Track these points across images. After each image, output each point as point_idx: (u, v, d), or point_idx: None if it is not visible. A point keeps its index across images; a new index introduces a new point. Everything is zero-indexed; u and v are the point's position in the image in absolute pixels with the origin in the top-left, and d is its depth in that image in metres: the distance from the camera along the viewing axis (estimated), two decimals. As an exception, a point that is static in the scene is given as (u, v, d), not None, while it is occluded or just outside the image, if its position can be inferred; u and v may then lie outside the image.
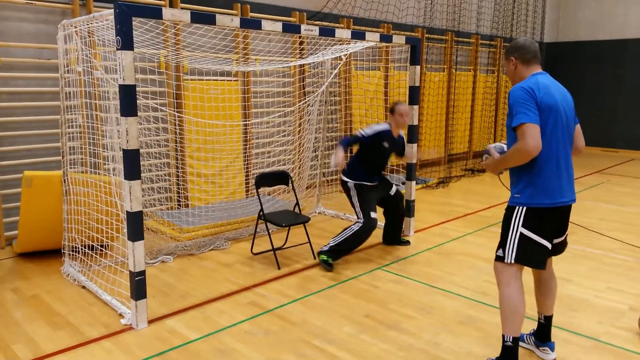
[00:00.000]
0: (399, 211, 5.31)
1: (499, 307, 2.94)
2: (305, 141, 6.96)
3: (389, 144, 4.99)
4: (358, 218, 4.82)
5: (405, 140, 5.33)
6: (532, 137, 2.69)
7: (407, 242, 5.45)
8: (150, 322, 3.65)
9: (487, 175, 9.36)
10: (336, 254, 4.76)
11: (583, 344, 3.41)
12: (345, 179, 5.00)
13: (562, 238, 3.07)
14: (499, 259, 2.94)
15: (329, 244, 4.77)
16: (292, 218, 5.02)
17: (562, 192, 2.87)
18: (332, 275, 4.58)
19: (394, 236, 5.41)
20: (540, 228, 2.84)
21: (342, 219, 6.46)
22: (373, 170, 5.06)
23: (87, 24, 4.09)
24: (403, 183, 6.08)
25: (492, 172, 3.11)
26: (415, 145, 5.62)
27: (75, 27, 4.24)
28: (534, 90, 2.77)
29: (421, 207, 6.87)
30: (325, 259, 4.70)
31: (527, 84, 2.81)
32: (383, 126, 4.98)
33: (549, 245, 2.89)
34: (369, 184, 4.98)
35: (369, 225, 4.74)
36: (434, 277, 4.54)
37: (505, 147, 3.09)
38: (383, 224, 5.43)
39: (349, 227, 4.80)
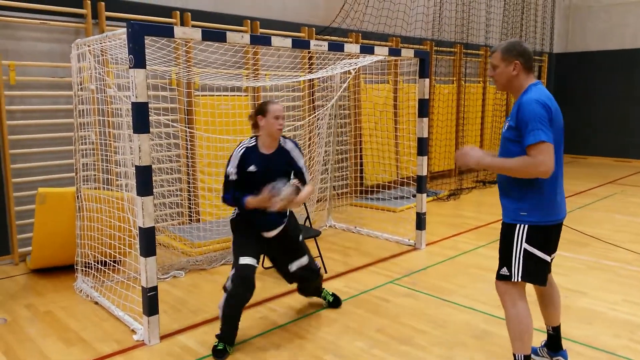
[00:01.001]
0: (310, 286, 3.94)
1: (507, 328, 2.89)
2: (315, 155, 6.98)
3: (257, 167, 3.48)
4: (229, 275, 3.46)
5: (300, 160, 3.67)
6: (550, 158, 2.58)
7: (335, 303, 4.15)
8: (162, 337, 3.66)
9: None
10: (224, 335, 3.46)
11: (599, 357, 3.36)
12: (231, 216, 3.68)
13: (555, 254, 3.03)
14: (504, 278, 2.85)
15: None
16: (303, 232, 5.00)
17: (562, 208, 2.85)
18: (343, 289, 4.56)
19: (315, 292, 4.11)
20: (543, 244, 2.80)
21: (353, 232, 6.46)
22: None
23: (100, 43, 4.16)
24: (414, 196, 6.06)
25: (471, 164, 2.79)
26: (425, 157, 5.61)
27: (89, 46, 4.32)
28: (549, 106, 2.65)
29: (432, 220, 6.84)
30: (216, 344, 3.42)
31: (542, 98, 2.66)
32: (244, 144, 3.57)
33: (549, 260, 2.86)
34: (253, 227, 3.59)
35: (238, 278, 3.36)
36: (446, 291, 4.51)
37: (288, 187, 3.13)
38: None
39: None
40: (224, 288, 3.49)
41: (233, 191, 3.48)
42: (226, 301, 3.39)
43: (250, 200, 3.39)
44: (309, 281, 3.87)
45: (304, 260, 3.77)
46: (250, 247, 3.50)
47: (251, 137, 3.63)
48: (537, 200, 2.76)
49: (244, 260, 3.41)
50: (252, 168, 3.48)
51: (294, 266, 3.73)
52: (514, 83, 2.81)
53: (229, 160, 3.52)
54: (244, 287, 3.38)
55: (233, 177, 3.48)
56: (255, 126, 3.61)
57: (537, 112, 2.62)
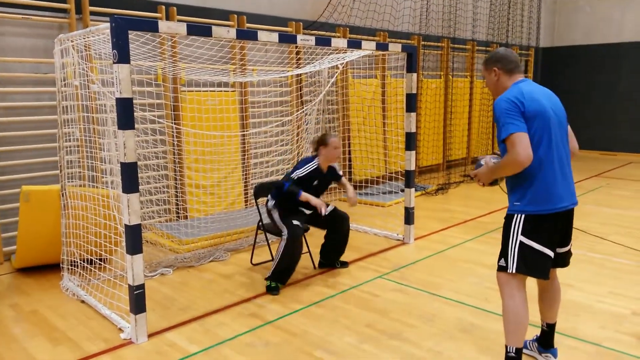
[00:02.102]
0: (342, 229, 4.84)
1: (503, 319, 2.91)
2: (304, 150, 6.97)
3: (318, 182, 4.68)
4: (282, 233, 4.45)
5: (339, 171, 4.96)
6: (523, 147, 2.68)
7: (345, 264, 5.05)
8: (150, 336, 3.62)
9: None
10: (278, 276, 4.43)
11: (586, 349, 3.39)
12: (271, 205, 4.64)
13: (567, 248, 3.03)
14: (502, 269, 2.89)
15: (271, 268, 4.46)
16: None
17: (561, 196, 2.82)
18: (332, 285, 4.56)
19: (332, 257, 4.97)
20: (540, 235, 2.80)
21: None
22: (304, 206, 4.68)
23: (84, 38, 4.10)
24: (402, 190, 6.07)
25: (483, 181, 3.03)
26: (413, 152, 5.62)
27: (72, 41, 4.25)
28: (518, 99, 2.75)
29: (420, 214, 6.85)
30: (269, 284, 4.42)
31: (511, 94, 2.79)
32: (312, 164, 4.63)
33: (551, 254, 2.84)
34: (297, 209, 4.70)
35: (293, 234, 4.39)
36: (435, 285, 4.52)
37: (497, 159, 3.02)
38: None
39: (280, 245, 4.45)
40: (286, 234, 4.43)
41: (289, 184, 4.48)
42: (286, 249, 4.35)
43: (305, 195, 4.44)
44: (340, 221, 4.79)
45: (333, 206, 4.84)
46: (295, 216, 4.56)
47: (314, 156, 4.73)
48: (528, 189, 2.80)
49: (295, 222, 4.48)
50: (315, 183, 4.65)
51: (329, 208, 4.71)
52: (499, 87, 2.99)
53: (299, 168, 4.61)
54: (298, 238, 4.43)
55: (296, 178, 4.53)
56: (316, 150, 4.73)
57: (503, 107, 2.77)
